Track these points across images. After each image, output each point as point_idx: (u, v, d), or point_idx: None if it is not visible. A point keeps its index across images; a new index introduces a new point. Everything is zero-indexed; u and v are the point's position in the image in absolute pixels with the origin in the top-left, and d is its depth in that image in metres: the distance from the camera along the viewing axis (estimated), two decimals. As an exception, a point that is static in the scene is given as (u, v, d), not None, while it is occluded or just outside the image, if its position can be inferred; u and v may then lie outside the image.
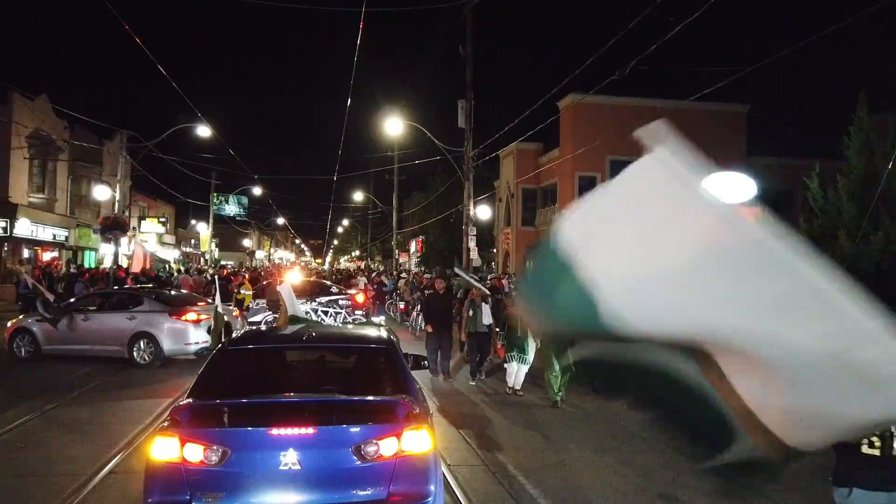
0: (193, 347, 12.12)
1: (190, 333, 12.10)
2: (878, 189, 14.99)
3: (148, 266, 22.22)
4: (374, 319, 17.04)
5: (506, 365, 10.38)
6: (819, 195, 17.73)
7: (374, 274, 33.44)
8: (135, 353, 11.91)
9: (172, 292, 14.68)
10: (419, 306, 18.27)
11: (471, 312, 11.38)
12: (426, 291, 15.42)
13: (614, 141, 25.37)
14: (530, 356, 9.93)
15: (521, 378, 10.18)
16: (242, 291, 18.05)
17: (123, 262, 24.33)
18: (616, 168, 28.43)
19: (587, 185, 27.85)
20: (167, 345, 11.94)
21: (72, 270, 24.12)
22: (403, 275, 31.56)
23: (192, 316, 12.27)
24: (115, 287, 17.21)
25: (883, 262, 15.35)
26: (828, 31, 11.52)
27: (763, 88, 72.93)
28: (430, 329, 11.69)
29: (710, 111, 26.87)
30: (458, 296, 13.84)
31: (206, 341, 12.01)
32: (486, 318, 11.22)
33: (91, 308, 12.72)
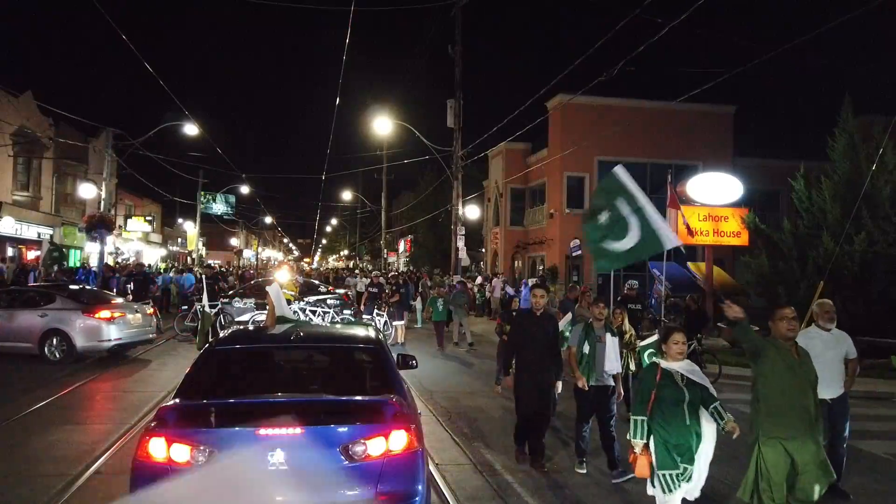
0: (107, 345, 12.23)
1: (103, 331, 12.16)
2: (862, 190, 15.17)
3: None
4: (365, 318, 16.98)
5: (654, 489, 4.86)
6: (804, 196, 17.92)
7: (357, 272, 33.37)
8: (46, 350, 11.98)
9: (86, 288, 14.79)
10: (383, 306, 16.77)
11: (586, 348, 6.48)
12: (512, 311, 9.66)
13: (603, 141, 25.54)
14: (703, 468, 4.82)
15: None
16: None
17: (109, 261, 24.11)
18: (604, 168, 28.69)
19: (575, 186, 27.97)
20: (80, 342, 12.01)
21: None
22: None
23: (105, 314, 12.34)
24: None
25: (865, 262, 15.54)
26: (814, 34, 11.68)
27: (750, 90, 73.56)
28: (510, 382, 6.66)
29: (697, 112, 27.04)
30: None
31: (120, 339, 12.33)
32: (611, 360, 6.45)
33: (1, 305, 12.67)
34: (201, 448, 3.85)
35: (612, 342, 6.51)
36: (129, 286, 19.63)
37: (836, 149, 17.49)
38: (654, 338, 6.47)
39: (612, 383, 6.52)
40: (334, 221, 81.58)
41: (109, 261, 25.64)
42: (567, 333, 7.08)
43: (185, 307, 18.18)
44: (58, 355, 11.98)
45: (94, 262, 24.40)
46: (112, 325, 12.30)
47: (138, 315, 13.20)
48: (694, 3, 10.48)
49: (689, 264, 21.22)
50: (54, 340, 12.04)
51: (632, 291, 11.77)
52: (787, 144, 29.70)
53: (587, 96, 20.96)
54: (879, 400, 11.41)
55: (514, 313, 8.46)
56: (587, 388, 6.41)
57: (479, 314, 24.17)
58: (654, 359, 5.02)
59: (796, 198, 18.22)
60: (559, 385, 6.82)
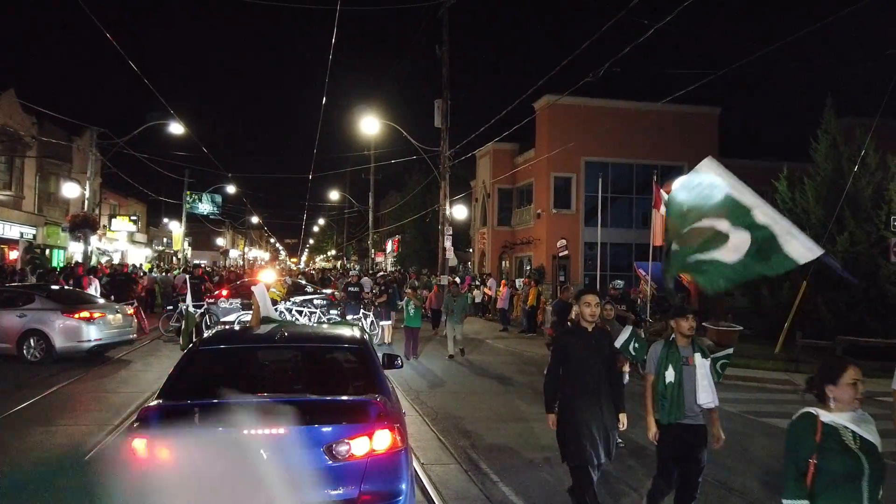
0: (87, 345, 12.16)
1: (83, 331, 12.12)
2: (844, 191, 15.37)
3: None
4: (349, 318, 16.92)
5: None
6: (787, 197, 18.13)
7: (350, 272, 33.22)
8: (24, 351, 11.92)
9: (66, 289, 14.71)
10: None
11: (671, 376, 4.81)
12: (566, 322, 7.37)
13: (589, 142, 25.67)
14: None
15: None
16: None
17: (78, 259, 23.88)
18: (591, 169, 28.79)
19: (562, 186, 28.10)
20: (59, 342, 11.96)
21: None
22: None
23: (85, 314, 12.29)
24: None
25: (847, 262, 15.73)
26: (798, 35, 11.82)
27: (734, 91, 74.18)
28: (553, 421, 4.94)
29: (682, 113, 27.26)
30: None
31: (100, 339, 12.28)
32: (705, 391, 4.78)
33: None
34: (184, 449, 3.82)
35: (702, 365, 4.81)
36: (110, 286, 19.42)
37: (818, 150, 17.72)
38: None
39: (703, 422, 4.81)
40: (322, 221, 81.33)
41: (79, 258, 25.33)
42: (632, 351, 5.79)
43: (171, 307, 18.05)
44: (37, 356, 11.88)
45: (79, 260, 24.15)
46: (92, 326, 12.23)
47: (118, 315, 13.12)
48: (680, 5, 10.55)
49: (675, 264, 21.33)
50: (33, 341, 11.94)
51: (615, 291, 11.66)
52: (770, 145, 29.99)
53: (574, 97, 21.06)
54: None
55: (568, 325, 6.33)
56: (656, 440, 4.84)
57: (472, 314, 24.09)
58: (809, 409, 3.25)
59: (780, 199, 18.42)
60: (623, 419, 4.98)
